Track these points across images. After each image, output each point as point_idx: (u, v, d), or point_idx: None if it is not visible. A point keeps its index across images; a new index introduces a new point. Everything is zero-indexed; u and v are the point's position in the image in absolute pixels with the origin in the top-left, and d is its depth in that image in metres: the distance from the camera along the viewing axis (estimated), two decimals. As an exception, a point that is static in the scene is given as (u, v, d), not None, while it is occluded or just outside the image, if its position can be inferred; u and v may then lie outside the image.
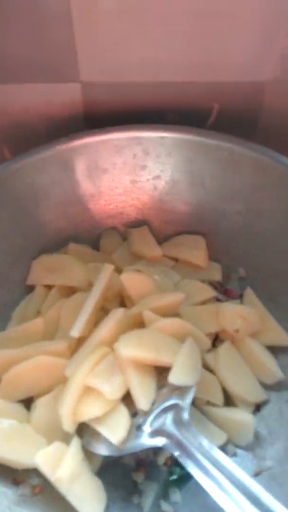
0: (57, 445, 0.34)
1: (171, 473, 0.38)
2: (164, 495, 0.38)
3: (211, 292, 0.45)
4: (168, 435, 0.34)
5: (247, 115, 0.47)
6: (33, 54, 0.41)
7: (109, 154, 0.44)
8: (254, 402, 0.40)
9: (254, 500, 0.29)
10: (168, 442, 0.33)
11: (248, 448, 0.39)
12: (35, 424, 0.36)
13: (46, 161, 0.43)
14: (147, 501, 0.37)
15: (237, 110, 0.47)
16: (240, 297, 0.47)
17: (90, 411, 0.34)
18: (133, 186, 0.47)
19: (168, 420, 0.34)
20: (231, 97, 0.45)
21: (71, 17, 0.38)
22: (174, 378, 0.35)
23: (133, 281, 0.42)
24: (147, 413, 0.35)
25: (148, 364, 0.37)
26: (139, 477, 0.38)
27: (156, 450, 0.39)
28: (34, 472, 0.35)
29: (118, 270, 0.44)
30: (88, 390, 0.35)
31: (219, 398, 0.40)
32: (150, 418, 0.35)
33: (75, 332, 0.38)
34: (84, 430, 0.36)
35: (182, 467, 0.38)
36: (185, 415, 0.34)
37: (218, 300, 0.46)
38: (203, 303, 0.45)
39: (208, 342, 0.41)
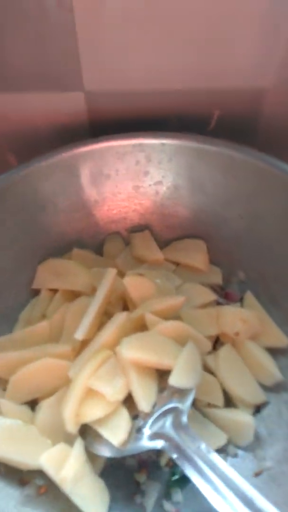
0: (61, 447, 0.35)
1: (173, 474, 0.39)
2: (166, 495, 0.39)
3: (211, 296, 0.46)
4: (167, 438, 0.34)
5: (247, 121, 0.48)
6: (38, 64, 0.42)
7: (112, 161, 0.45)
8: (254, 404, 0.41)
9: (249, 503, 0.29)
10: (166, 444, 0.34)
11: (248, 448, 0.39)
12: (39, 425, 0.37)
13: (51, 168, 0.43)
14: (150, 501, 0.38)
15: (237, 117, 0.47)
16: (240, 300, 0.47)
17: (92, 412, 0.35)
18: (135, 192, 0.48)
19: (167, 423, 0.35)
20: (231, 103, 0.46)
21: (74, 27, 0.39)
22: (174, 380, 0.35)
23: (135, 284, 0.43)
24: (147, 416, 0.36)
25: (150, 367, 0.37)
26: (141, 477, 0.39)
27: (158, 451, 0.40)
28: (39, 473, 0.36)
29: (121, 274, 0.45)
30: (90, 392, 0.36)
31: (219, 400, 0.40)
32: (150, 420, 0.36)
33: (79, 335, 0.39)
34: (87, 431, 0.37)
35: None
36: (184, 419, 0.35)
37: (218, 303, 0.47)
38: (204, 306, 0.45)
39: (208, 345, 0.41)
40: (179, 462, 0.33)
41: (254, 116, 0.47)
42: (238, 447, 0.40)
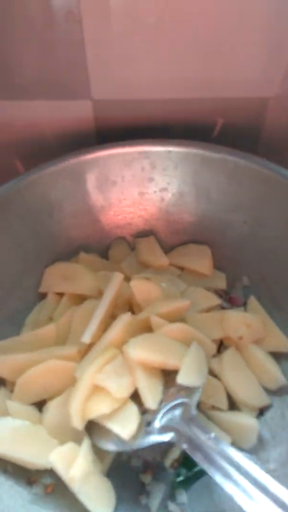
0: (70, 445, 0.36)
1: (177, 475, 0.39)
2: (171, 496, 0.39)
3: (216, 300, 0.46)
4: (177, 430, 0.35)
5: (250, 130, 0.49)
6: (46, 72, 0.43)
7: (119, 168, 0.46)
8: (258, 407, 0.41)
9: (263, 489, 0.29)
10: (176, 436, 0.34)
11: (252, 451, 0.40)
12: (47, 425, 0.38)
13: (58, 174, 0.44)
14: (155, 502, 0.38)
15: (241, 125, 0.48)
16: (244, 304, 0.48)
17: (98, 408, 0.36)
18: (141, 198, 0.49)
19: (176, 415, 0.35)
20: (235, 112, 0.47)
21: (83, 37, 0.40)
22: (182, 379, 0.36)
23: (141, 288, 0.43)
24: (155, 412, 0.36)
25: (156, 366, 0.38)
26: (146, 478, 0.39)
27: (163, 453, 0.40)
28: (47, 472, 0.37)
29: (127, 279, 0.46)
30: (97, 389, 0.36)
31: (223, 403, 0.41)
32: (159, 415, 0.36)
33: (86, 338, 0.40)
34: (94, 429, 0.37)
35: (188, 469, 0.39)
36: (193, 411, 0.35)
37: (222, 307, 0.47)
38: (208, 310, 0.46)
39: (213, 347, 0.42)
40: (189, 452, 0.33)
41: (257, 125, 0.48)
42: (242, 449, 0.40)
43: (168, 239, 0.51)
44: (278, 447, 0.39)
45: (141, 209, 0.50)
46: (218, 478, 0.31)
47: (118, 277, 0.43)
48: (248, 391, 0.41)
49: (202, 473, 0.38)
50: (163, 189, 0.48)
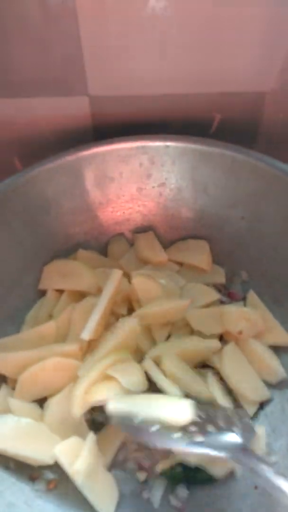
0: (75, 439, 0.36)
1: (172, 477, 0.39)
2: (172, 490, 0.39)
3: (215, 295, 0.47)
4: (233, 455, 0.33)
5: (247, 125, 0.49)
6: (43, 69, 0.42)
7: (116, 164, 0.46)
8: (258, 401, 0.42)
9: None
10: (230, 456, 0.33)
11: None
12: (48, 422, 0.38)
13: (56, 171, 0.44)
14: (157, 496, 0.38)
15: (238, 120, 0.48)
16: (243, 299, 0.48)
17: (101, 394, 0.36)
18: (139, 194, 0.49)
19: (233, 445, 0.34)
20: (232, 107, 0.47)
21: (79, 33, 0.40)
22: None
23: (143, 285, 0.44)
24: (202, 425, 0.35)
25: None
26: (141, 475, 0.39)
27: (156, 460, 0.40)
28: (49, 468, 0.37)
29: (126, 275, 0.46)
30: (103, 380, 0.37)
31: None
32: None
33: (86, 335, 0.40)
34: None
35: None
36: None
37: (222, 302, 0.47)
38: (208, 305, 0.46)
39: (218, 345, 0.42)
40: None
41: (254, 120, 0.48)
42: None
43: (167, 234, 0.51)
44: (278, 440, 0.39)
45: (139, 204, 0.50)
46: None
47: (117, 273, 0.43)
48: (248, 385, 0.41)
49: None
50: (161, 185, 0.48)
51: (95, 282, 0.45)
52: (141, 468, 0.40)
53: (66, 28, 0.40)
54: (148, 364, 0.40)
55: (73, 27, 0.39)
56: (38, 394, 0.40)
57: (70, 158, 0.44)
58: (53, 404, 0.38)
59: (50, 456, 0.35)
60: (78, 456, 0.35)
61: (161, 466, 0.39)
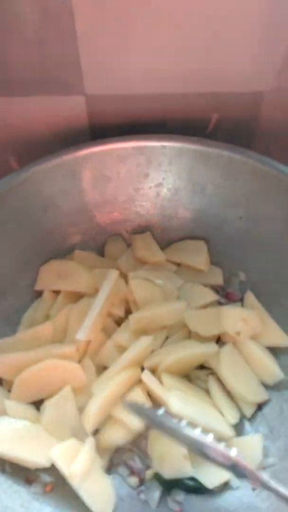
0: (71, 442, 0.36)
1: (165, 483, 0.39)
2: (170, 493, 0.39)
3: (213, 296, 0.47)
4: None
5: (245, 124, 0.48)
6: (39, 68, 0.42)
7: (113, 164, 0.46)
8: (256, 402, 0.41)
9: None
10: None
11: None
12: (45, 424, 0.38)
13: (53, 171, 0.44)
14: (154, 498, 0.38)
15: (236, 120, 0.48)
16: (241, 300, 0.48)
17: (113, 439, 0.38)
18: (136, 194, 0.49)
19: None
20: (230, 107, 0.47)
21: (75, 31, 0.40)
22: None
23: (140, 287, 0.44)
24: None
25: None
26: (133, 480, 0.39)
27: (147, 465, 0.39)
28: (45, 471, 0.37)
29: (123, 276, 0.46)
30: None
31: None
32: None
33: (81, 336, 0.40)
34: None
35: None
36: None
37: (220, 303, 0.47)
38: (205, 306, 0.46)
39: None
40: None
41: (252, 120, 0.48)
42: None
43: (164, 235, 0.51)
44: (276, 441, 0.39)
45: (136, 205, 0.50)
46: None
47: (113, 274, 0.43)
48: (246, 386, 0.41)
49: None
50: (159, 185, 0.48)
51: (92, 282, 0.45)
52: (132, 473, 0.39)
53: (63, 26, 0.39)
54: (149, 381, 0.40)
55: (70, 25, 0.39)
56: (34, 396, 0.39)
57: (66, 157, 0.44)
58: (50, 406, 0.38)
59: (46, 458, 0.35)
60: (75, 459, 0.34)
61: (151, 472, 0.39)
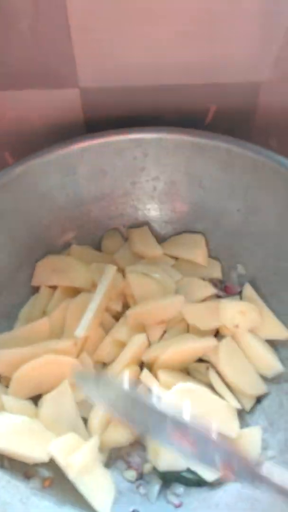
0: (70, 436, 0.36)
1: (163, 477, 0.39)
2: (169, 486, 0.39)
3: (211, 290, 0.46)
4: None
5: (243, 116, 0.48)
6: (32, 61, 0.42)
7: (109, 157, 0.45)
8: (255, 395, 0.41)
9: None
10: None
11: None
12: (43, 419, 0.38)
13: (48, 165, 0.43)
14: (153, 492, 0.38)
15: (234, 111, 0.47)
16: (240, 293, 0.48)
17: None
18: (133, 187, 0.48)
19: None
20: (228, 98, 0.46)
21: (68, 23, 0.39)
22: None
23: (138, 282, 0.43)
24: None
25: None
26: (129, 474, 0.39)
27: (145, 459, 0.39)
28: (44, 466, 0.37)
29: (120, 270, 0.46)
30: None
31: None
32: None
33: (80, 332, 0.40)
34: None
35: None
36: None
37: (218, 297, 0.47)
38: (204, 300, 0.46)
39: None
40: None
41: (250, 111, 0.48)
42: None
43: (162, 228, 0.51)
44: (276, 434, 0.39)
45: (133, 198, 0.49)
46: None
47: (111, 269, 0.43)
48: (245, 379, 0.41)
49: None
50: (156, 178, 0.48)
51: (89, 277, 0.45)
52: (130, 467, 0.39)
53: (56, 18, 0.39)
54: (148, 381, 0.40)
55: (63, 16, 0.39)
56: (32, 391, 0.39)
57: (62, 151, 0.44)
58: (47, 401, 0.38)
59: (45, 453, 0.35)
60: (74, 452, 0.34)
61: (149, 466, 0.39)
